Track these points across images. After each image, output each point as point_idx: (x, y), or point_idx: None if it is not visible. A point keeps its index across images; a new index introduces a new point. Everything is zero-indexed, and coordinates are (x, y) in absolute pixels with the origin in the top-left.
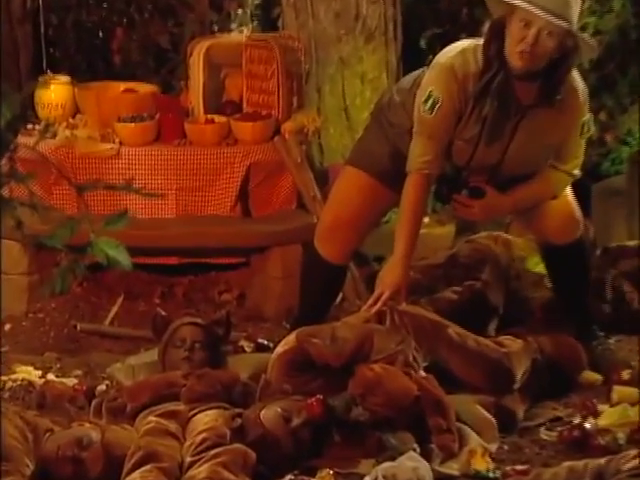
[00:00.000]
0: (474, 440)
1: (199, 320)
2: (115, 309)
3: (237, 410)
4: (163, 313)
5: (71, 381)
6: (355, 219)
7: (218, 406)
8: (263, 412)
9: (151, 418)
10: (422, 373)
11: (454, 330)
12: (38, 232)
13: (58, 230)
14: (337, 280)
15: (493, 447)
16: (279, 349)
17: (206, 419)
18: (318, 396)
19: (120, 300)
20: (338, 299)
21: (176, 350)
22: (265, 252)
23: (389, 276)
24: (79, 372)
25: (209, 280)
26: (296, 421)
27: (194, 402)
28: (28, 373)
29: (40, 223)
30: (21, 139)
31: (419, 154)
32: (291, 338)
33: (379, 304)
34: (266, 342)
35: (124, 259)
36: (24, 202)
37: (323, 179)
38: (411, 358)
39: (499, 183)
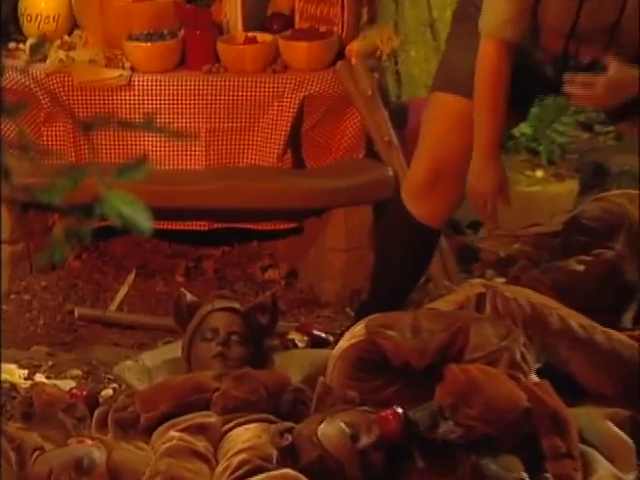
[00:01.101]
0: (603, 468)
1: (236, 305)
2: (125, 289)
3: (286, 424)
4: (189, 295)
5: (67, 384)
6: (460, 160)
7: (261, 418)
8: (322, 427)
9: (172, 433)
10: (534, 378)
11: (577, 321)
12: (29, 186)
13: (58, 182)
14: (428, 251)
15: (630, 477)
16: (342, 344)
17: (246, 435)
18: (395, 407)
19: (131, 278)
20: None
21: (206, 344)
22: (323, 216)
23: (481, 179)
24: (77, 372)
25: (249, 252)
26: (365, 440)
27: (230, 412)
28: (10, 373)
29: (31, 173)
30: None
31: (495, 11)
32: (358, 330)
33: (490, 216)
34: (324, 335)
35: (143, 220)
36: (12, 144)
37: (401, 118)
38: (519, 357)
39: (621, 55)
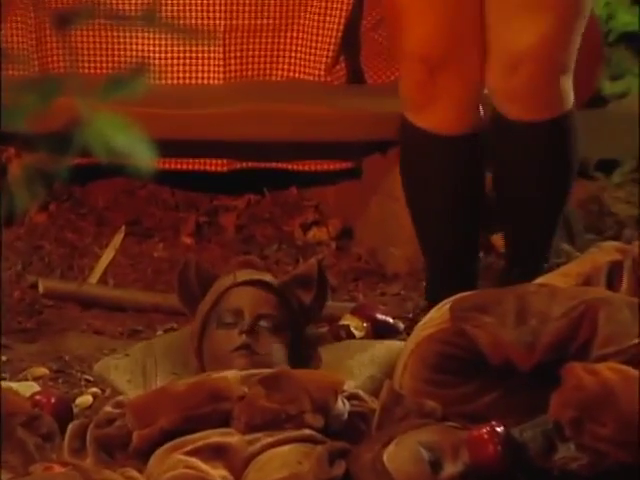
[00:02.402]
0: None
1: (267, 277)
2: (110, 255)
3: (338, 445)
4: (200, 263)
5: (28, 388)
6: (475, 29)
7: (302, 437)
8: (389, 451)
9: (178, 458)
10: None
11: None
12: None
13: (23, 97)
14: (472, 175)
15: None
16: (418, 334)
17: (280, 461)
18: (492, 423)
19: (119, 239)
20: None
21: (225, 332)
22: (390, 152)
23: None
24: (43, 371)
25: (285, 204)
26: (450, 469)
27: (258, 429)
28: None
29: None
30: None
31: None
32: (440, 314)
33: None
34: (391, 320)
35: (143, 153)
36: None
37: None
38: None
39: None
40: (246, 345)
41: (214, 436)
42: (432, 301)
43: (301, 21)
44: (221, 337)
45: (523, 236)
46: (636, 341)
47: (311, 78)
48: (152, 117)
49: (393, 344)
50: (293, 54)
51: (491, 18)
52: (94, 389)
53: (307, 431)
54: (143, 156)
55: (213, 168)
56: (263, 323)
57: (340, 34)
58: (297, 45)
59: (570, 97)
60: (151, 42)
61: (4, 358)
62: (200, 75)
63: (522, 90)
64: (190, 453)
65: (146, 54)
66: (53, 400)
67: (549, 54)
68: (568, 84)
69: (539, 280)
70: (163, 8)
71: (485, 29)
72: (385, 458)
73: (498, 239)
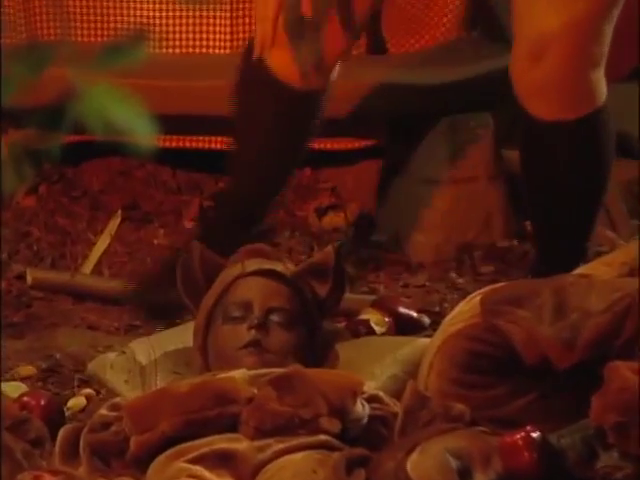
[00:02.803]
0: None
1: (279, 266)
2: (105, 242)
3: (357, 451)
4: (204, 251)
5: (15, 388)
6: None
7: (317, 443)
8: (413, 458)
9: (180, 466)
10: None
11: None
12: None
13: (10, 68)
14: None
15: None
16: (445, 329)
17: (293, 469)
18: (527, 428)
19: (115, 224)
20: None
21: (232, 328)
22: (414, 129)
23: None
24: (31, 370)
25: (299, 186)
26: (481, 478)
27: (268, 435)
28: None
29: None
30: None
31: None
32: (470, 307)
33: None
34: (416, 314)
35: (143, 129)
36: None
37: None
38: None
39: None
40: (255, 342)
41: (220, 442)
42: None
43: None
44: (228, 333)
45: (557, 230)
46: None
47: None
48: (153, 89)
49: (417, 341)
50: None
51: (517, 4)
52: (88, 390)
53: (322, 437)
54: (143, 132)
55: (219, 146)
56: (274, 317)
57: None
58: None
59: (601, 92)
60: (151, 6)
61: None
62: (205, 44)
63: (546, 83)
64: (194, 461)
65: (146, 20)
66: (43, 402)
67: (577, 43)
68: (599, 78)
69: (579, 270)
70: None
71: (513, 18)
72: (409, 467)
73: None
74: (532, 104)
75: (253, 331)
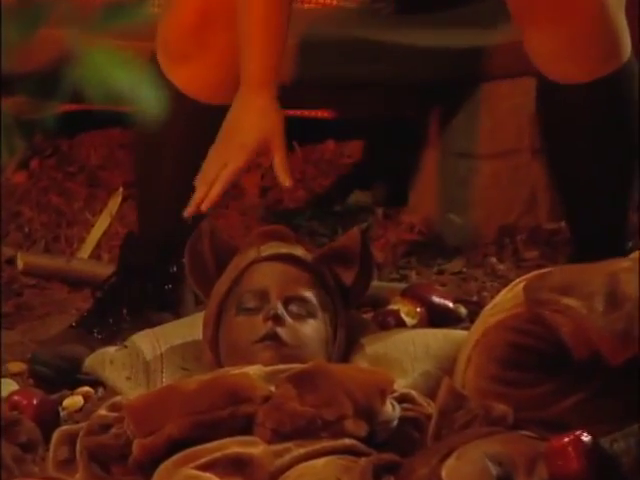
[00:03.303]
0: None
1: (297, 250)
2: (105, 223)
3: (385, 457)
4: (215, 232)
5: (5, 386)
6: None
7: (340, 447)
8: (449, 464)
9: (189, 472)
10: None
11: None
12: None
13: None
14: None
15: None
16: (486, 320)
17: (314, 475)
18: (577, 432)
19: (116, 203)
20: None
21: (247, 319)
22: (450, 98)
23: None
24: (22, 366)
25: (320, 160)
26: None
27: (287, 438)
28: None
29: None
30: None
31: None
32: (512, 295)
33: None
34: (451, 304)
35: (148, 96)
36: None
37: None
38: None
39: None
40: (272, 334)
41: (233, 446)
42: None
43: None
44: (242, 325)
45: (590, 215)
46: None
47: (353, 5)
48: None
49: (453, 333)
50: None
51: None
52: (85, 388)
53: (347, 440)
54: (147, 100)
55: None
56: (293, 308)
57: None
58: None
59: (626, 43)
60: None
61: None
62: None
63: (563, 39)
64: (204, 467)
65: None
66: (35, 401)
67: None
68: (622, 25)
69: (635, 255)
70: None
71: None
72: (444, 474)
73: None
74: (549, 68)
75: (270, 323)
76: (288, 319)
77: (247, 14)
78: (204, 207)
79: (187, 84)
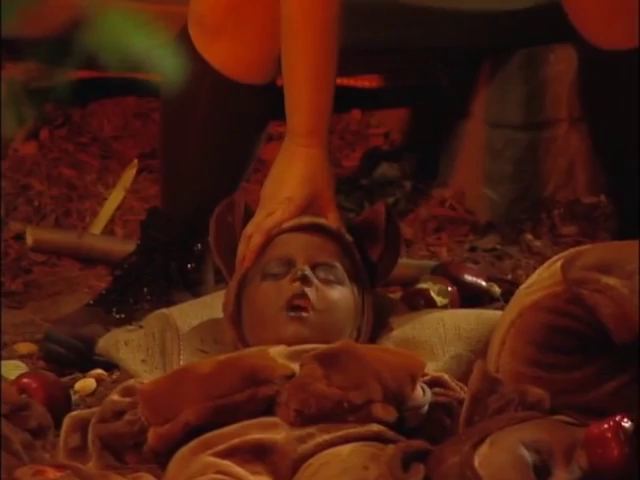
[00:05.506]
0: None
1: (322, 219)
2: (119, 196)
3: (415, 444)
4: (239, 202)
5: (12, 368)
6: None
7: (368, 433)
8: (482, 452)
9: (207, 459)
10: None
11: None
12: None
13: None
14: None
15: None
16: (521, 299)
17: (341, 465)
18: (617, 417)
19: (130, 175)
20: None
21: (272, 284)
22: (482, 65)
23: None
24: (31, 347)
25: (347, 130)
26: (562, 475)
27: (312, 422)
28: None
29: None
30: None
31: None
32: (549, 275)
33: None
34: (484, 283)
35: (164, 60)
36: None
37: None
38: None
39: None
40: (301, 293)
41: (253, 431)
42: None
43: None
44: (267, 290)
45: (634, 188)
46: None
47: None
48: (176, 16)
49: (486, 314)
50: None
51: None
52: (98, 370)
53: (375, 426)
54: (164, 67)
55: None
56: (320, 273)
57: None
58: None
59: None
60: None
61: None
62: None
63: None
64: (223, 454)
65: None
66: (45, 384)
67: None
68: None
69: None
70: None
71: None
72: (477, 462)
73: None
74: (590, 31)
75: (297, 283)
76: (316, 281)
77: (294, 56)
78: (247, 263)
79: (221, 60)
